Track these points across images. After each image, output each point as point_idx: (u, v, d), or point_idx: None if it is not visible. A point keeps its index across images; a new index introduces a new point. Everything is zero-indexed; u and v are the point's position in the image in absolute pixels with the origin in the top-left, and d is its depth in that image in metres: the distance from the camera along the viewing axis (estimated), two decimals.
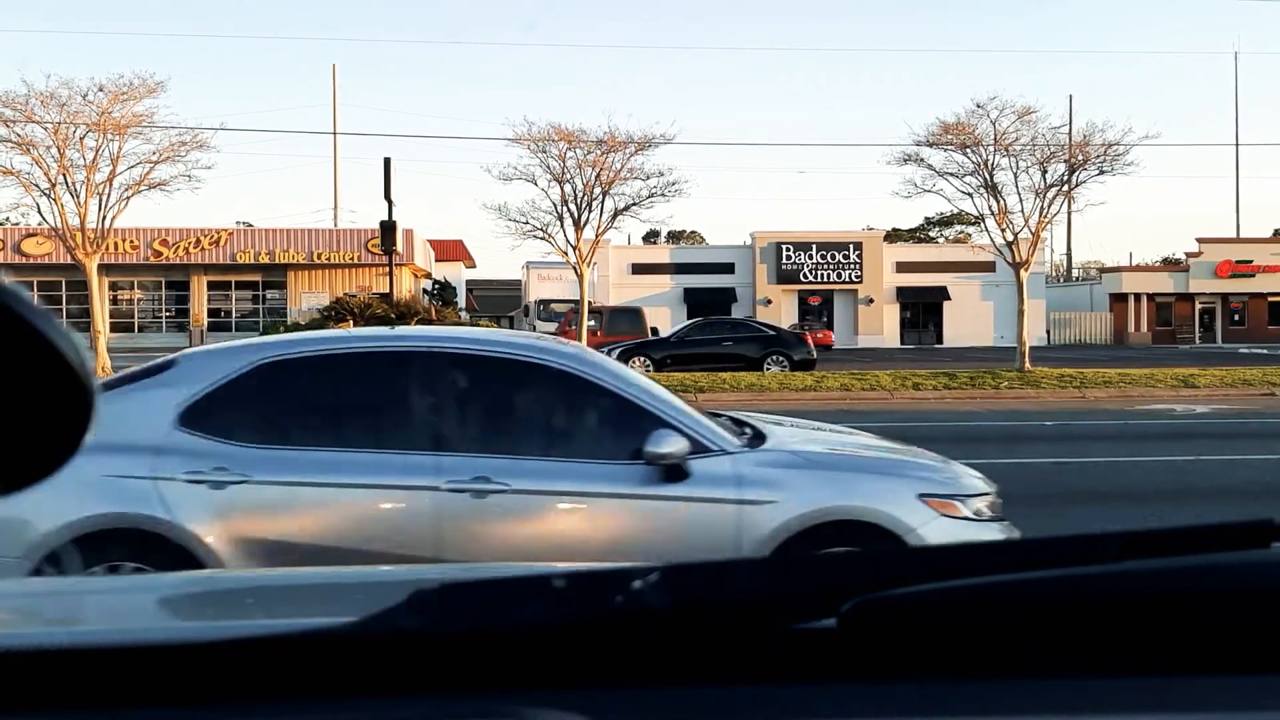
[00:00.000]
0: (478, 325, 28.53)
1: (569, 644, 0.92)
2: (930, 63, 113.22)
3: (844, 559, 0.99)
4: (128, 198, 22.25)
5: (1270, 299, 51.45)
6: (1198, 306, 51.65)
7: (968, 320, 50.56)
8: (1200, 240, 51.53)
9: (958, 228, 68.66)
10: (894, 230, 65.31)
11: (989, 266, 47.96)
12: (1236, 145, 56.18)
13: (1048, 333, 50.20)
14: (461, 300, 53.55)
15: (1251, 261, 50.59)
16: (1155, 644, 0.93)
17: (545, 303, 35.44)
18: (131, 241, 41.20)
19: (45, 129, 21.36)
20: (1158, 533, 0.97)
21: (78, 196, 21.81)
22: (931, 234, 73.21)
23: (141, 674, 0.91)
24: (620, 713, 0.89)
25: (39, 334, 0.62)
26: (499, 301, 72.81)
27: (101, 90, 21.62)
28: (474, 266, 69.33)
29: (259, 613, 1.46)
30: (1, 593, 1.67)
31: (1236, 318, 52.05)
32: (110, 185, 21.96)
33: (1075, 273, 66.40)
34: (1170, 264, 59.16)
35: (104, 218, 22.16)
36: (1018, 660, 0.93)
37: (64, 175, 21.64)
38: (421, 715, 0.89)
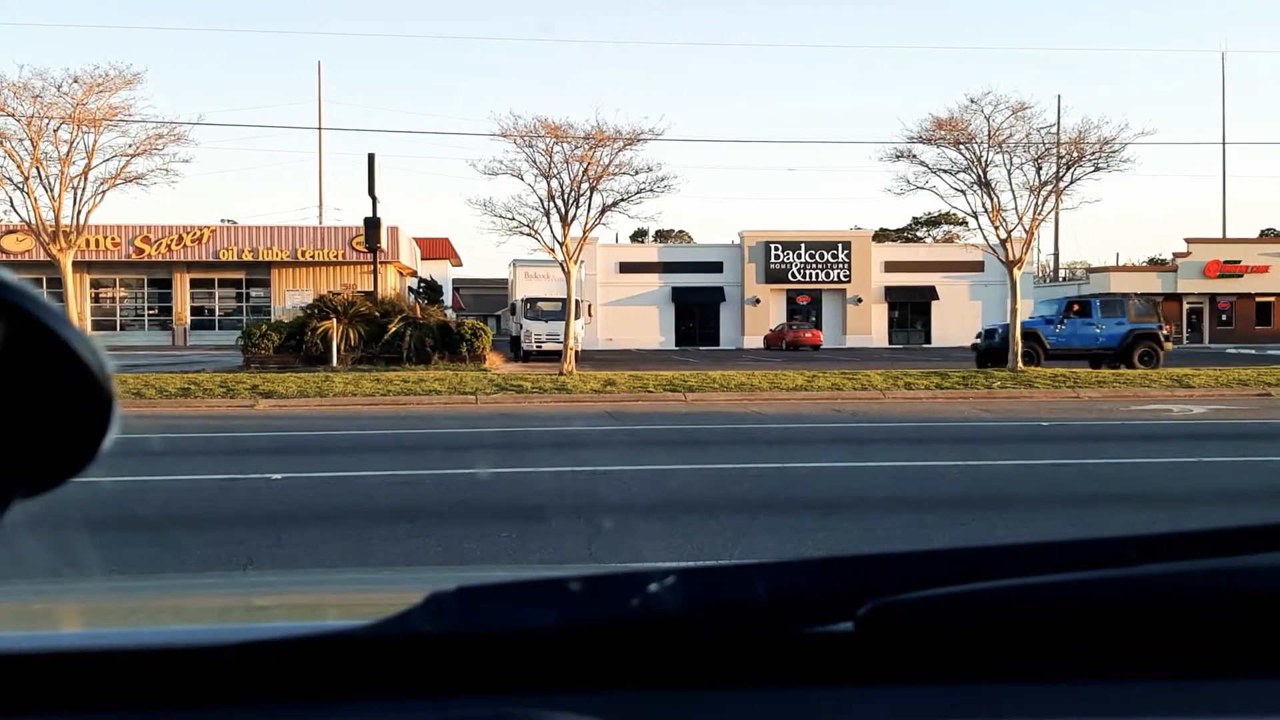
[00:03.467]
0: (464, 323, 28.16)
1: (585, 647, 0.93)
2: (922, 59, 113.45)
3: (861, 561, 0.95)
4: (103, 192, 21.83)
5: (1258, 299, 51.57)
6: (1185, 306, 51.72)
7: (956, 320, 50.43)
8: (1188, 240, 51.64)
9: (945, 227, 68.65)
10: (881, 230, 65.14)
11: (977, 266, 47.83)
12: (1224, 145, 56.29)
13: None
14: (448, 298, 53.15)
15: (1239, 262, 50.72)
16: (1177, 648, 0.93)
17: (532, 301, 35.06)
18: (113, 239, 40.73)
19: (18, 121, 20.90)
20: (1176, 536, 0.96)
21: (51, 190, 21.37)
22: (919, 234, 73.19)
23: (156, 677, 0.92)
24: (636, 716, 0.89)
25: (54, 336, 0.61)
26: (486, 300, 72.47)
27: (76, 81, 21.17)
28: (460, 265, 69.00)
29: (277, 615, 1.48)
30: (13, 593, 1.60)
31: (1224, 318, 52.18)
32: (85, 179, 21.53)
33: (1062, 273, 66.34)
34: (1157, 264, 59.24)
35: (79, 212, 21.73)
36: (1036, 665, 0.93)
37: (37, 168, 21.18)
38: (437, 718, 0.90)
